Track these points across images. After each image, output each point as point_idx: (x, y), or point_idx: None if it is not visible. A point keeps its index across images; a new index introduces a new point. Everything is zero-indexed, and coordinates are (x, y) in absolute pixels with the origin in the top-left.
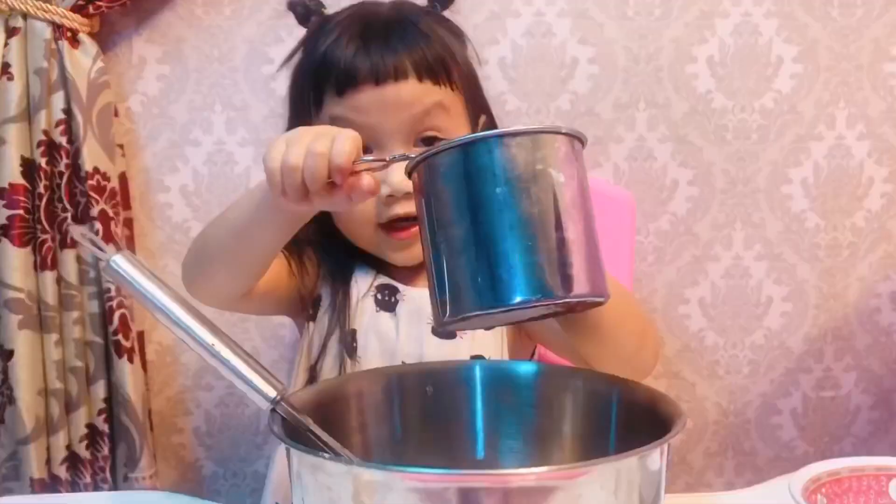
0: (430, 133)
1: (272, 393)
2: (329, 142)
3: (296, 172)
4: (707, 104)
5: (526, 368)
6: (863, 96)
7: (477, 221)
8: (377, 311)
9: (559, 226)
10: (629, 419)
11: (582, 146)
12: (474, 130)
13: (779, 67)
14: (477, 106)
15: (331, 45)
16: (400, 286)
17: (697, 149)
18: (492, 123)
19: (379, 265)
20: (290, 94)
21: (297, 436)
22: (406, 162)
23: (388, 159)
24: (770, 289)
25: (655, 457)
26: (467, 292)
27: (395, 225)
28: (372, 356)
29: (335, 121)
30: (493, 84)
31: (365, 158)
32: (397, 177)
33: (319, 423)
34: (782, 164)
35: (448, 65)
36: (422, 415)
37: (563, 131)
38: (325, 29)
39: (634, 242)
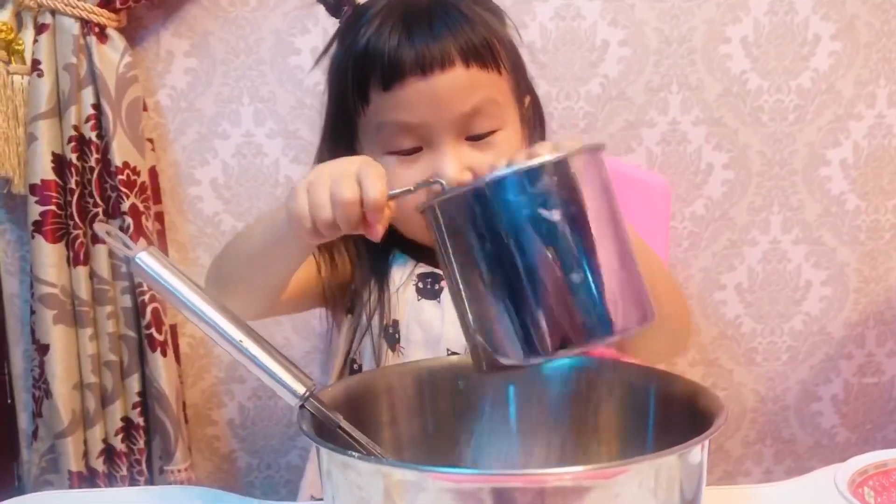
0: (480, 132)
1: (301, 389)
2: (354, 184)
3: (330, 224)
4: (742, 85)
5: (560, 362)
6: None
7: (498, 269)
8: (419, 300)
9: (587, 260)
10: (667, 412)
11: (598, 155)
12: (521, 114)
13: (816, 45)
14: (522, 88)
15: (372, 36)
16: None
17: (732, 131)
18: (536, 105)
19: (418, 254)
20: (331, 90)
21: (326, 433)
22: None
23: (412, 188)
24: (809, 273)
25: (696, 452)
26: (507, 344)
27: None
28: (415, 346)
29: (383, 127)
30: None
31: (392, 193)
32: (450, 170)
33: (349, 418)
34: (820, 145)
35: (494, 47)
36: (454, 409)
37: (567, 154)
38: (364, 19)
39: (669, 228)
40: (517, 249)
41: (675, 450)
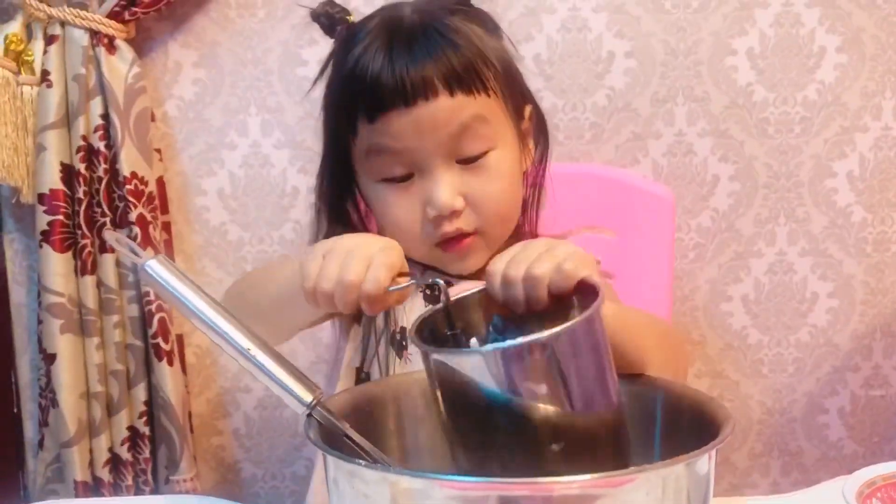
0: (471, 154)
1: (308, 397)
2: (363, 268)
3: (327, 296)
4: (748, 97)
5: None
6: None
7: (477, 425)
8: (426, 307)
9: (571, 428)
10: (674, 422)
11: (593, 317)
12: (518, 126)
13: (822, 58)
14: (519, 100)
15: (358, 60)
16: (452, 280)
17: (738, 143)
18: (538, 115)
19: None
20: (325, 114)
21: (333, 441)
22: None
23: (416, 282)
24: (815, 285)
25: (703, 461)
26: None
27: (447, 240)
28: None
29: (373, 151)
30: (528, 81)
31: (392, 288)
32: (443, 197)
33: (356, 427)
34: (826, 157)
35: (480, 71)
36: None
37: (567, 327)
38: (354, 40)
39: (674, 240)
40: (495, 414)
41: (683, 459)
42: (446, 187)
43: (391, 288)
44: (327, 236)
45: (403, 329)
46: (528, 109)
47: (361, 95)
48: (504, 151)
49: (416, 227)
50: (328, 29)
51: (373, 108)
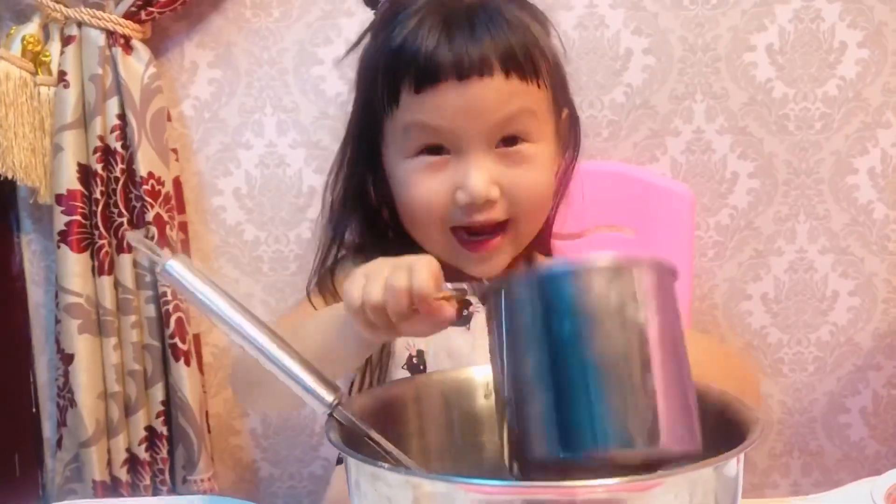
0: (512, 136)
1: (330, 398)
2: (407, 274)
3: (378, 308)
4: (767, 93)
5: None
6: None
7: (552, 361)
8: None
9: (643, 368)
10: (702, 423)
11: (672, 279)
12: (558, 128)
13: (842, 53)
14: (560, 100)
15: (409, 34)
16: (472, 298)
17: (758, 140)
18: (573, 120)
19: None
20: (359, 88)
21: (354, 441)
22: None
23: (466, 288)
24: (836, 283)
25: (731, 465)
26: (538, 438)
27: (472, 235)
28: None
29: (411, 128)
30: None
31: (446, 286)
32: (479, 185)
33: (377, 428)
34: (847, 153)
35: (535, 57)
36: (480, 420)
37: (645, 264)
38: (402, 16)
39: (693, 238)
40: (566, 343)
41: (711, 462)
42: (483, 174)
43: (446, 286)
44: (337, 229)
45: (421, 352)
46: (564, 113)
47: (412, 67)
48: (543, 147)
49: (442, 207)
50: (370, 0)
51: (423, 79)
